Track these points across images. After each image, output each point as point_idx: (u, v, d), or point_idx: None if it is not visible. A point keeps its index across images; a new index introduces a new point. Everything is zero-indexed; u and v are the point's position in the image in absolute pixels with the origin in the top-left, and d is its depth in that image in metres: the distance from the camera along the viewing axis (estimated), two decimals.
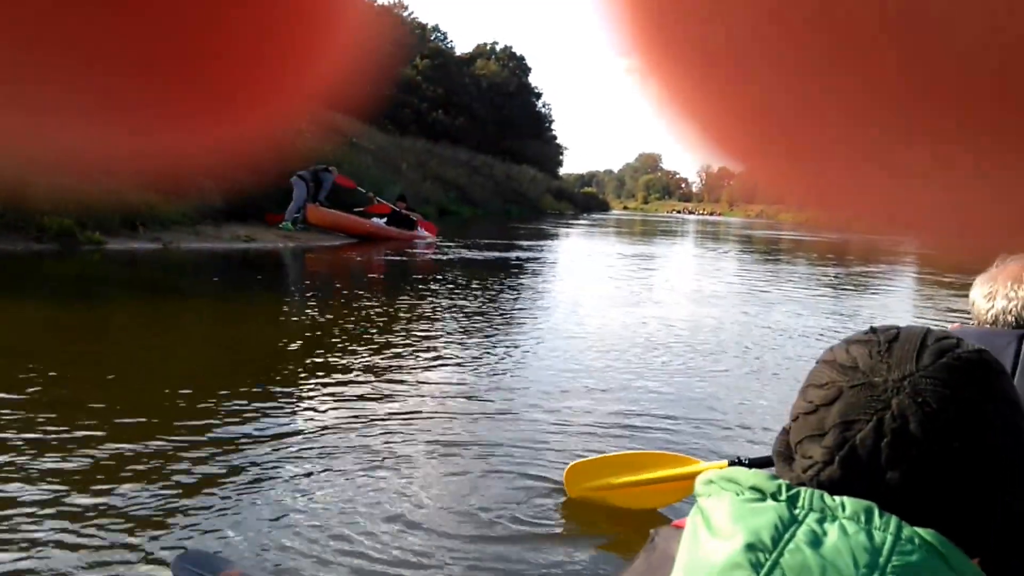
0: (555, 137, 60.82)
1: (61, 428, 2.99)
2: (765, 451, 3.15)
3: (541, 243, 16.84)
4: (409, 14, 44.42)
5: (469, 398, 3.95)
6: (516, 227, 22.19)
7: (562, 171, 71.36)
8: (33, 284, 6.87)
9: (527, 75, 52.15)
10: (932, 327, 0.68)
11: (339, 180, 14.03)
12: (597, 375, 4.59)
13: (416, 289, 7.91)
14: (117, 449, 2.81)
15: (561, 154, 64.57)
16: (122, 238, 9.40)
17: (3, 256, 7.70)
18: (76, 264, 8.13)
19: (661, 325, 6.44)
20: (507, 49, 51.44)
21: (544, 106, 56.23)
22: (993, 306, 1.36)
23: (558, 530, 2.52)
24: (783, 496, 0.59)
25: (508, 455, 3.15)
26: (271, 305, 6.60)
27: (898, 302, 9.91)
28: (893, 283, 12.22)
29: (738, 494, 0.61)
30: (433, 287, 8.07)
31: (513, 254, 12.94)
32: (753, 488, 0.61)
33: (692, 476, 2.37)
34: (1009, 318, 1.33)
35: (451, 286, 8.19)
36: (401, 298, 7.20)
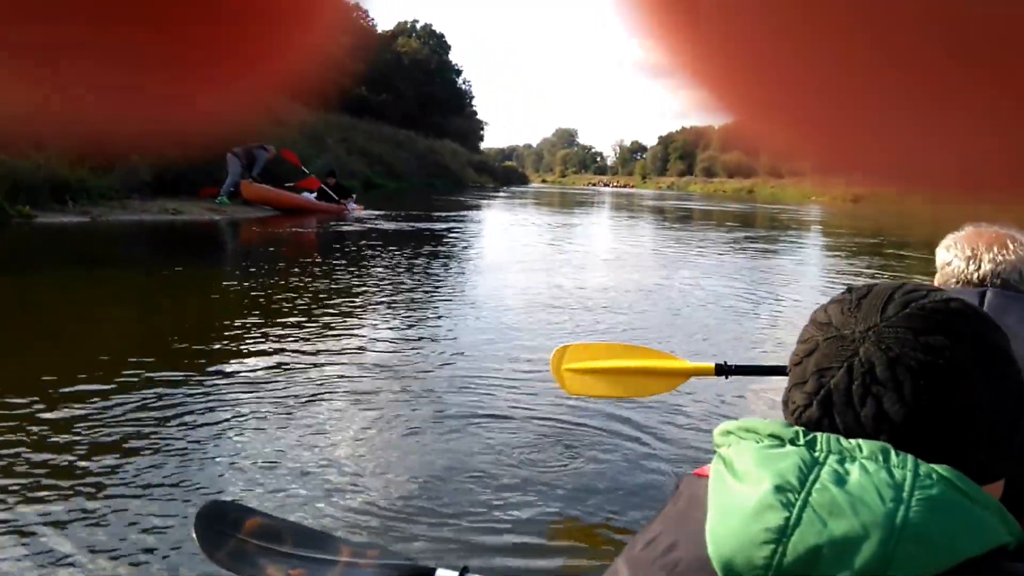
0: (476, 113, 60.87)
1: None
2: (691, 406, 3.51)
3: (465, 214, 17.24)
4: None
5: (405, 356, 4.13)
6: (440, 199, 22.45)
7: (483, 145, 71.52)
8: None
9: (447, 53, 51.99)
10: (907, 281, 0.72)
11: (284, 154, 14.63)
12: (526, 332, 4.89)
13: (346, 258, 8.15)
14: (61, 419, 2.85)
15: (482, 129, 64.69)
16: (51, 211, 9.45)
17: None
18: (6, 237, 8.19)
19: (582, 287, 6.84)
20: (427, 27, 51.14)
21: (464, 83, 56.21)
22: (980, 267, 1.43)
23: (519, 472, 2.67)
24: (801, 441, 0.63)
25: (448, 401, 3.38)
26: (200, 274, 6.76)
27: (800, 261, 10.69)
28: (794, 246, 13.12)
29: (757, 442, 0.65)
30: (363, 256, 8.31)
31: (438, 225, 13.33)
32: (771, 435, 0.65)
33: (677, 372, 2.46)
34: (996, 281, 1.42)
35: (380, 255, 8.46)
36: (332, 267, 7.42)
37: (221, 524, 1.75)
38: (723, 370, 2.30)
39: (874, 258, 10.85)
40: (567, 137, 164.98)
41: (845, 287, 0.74)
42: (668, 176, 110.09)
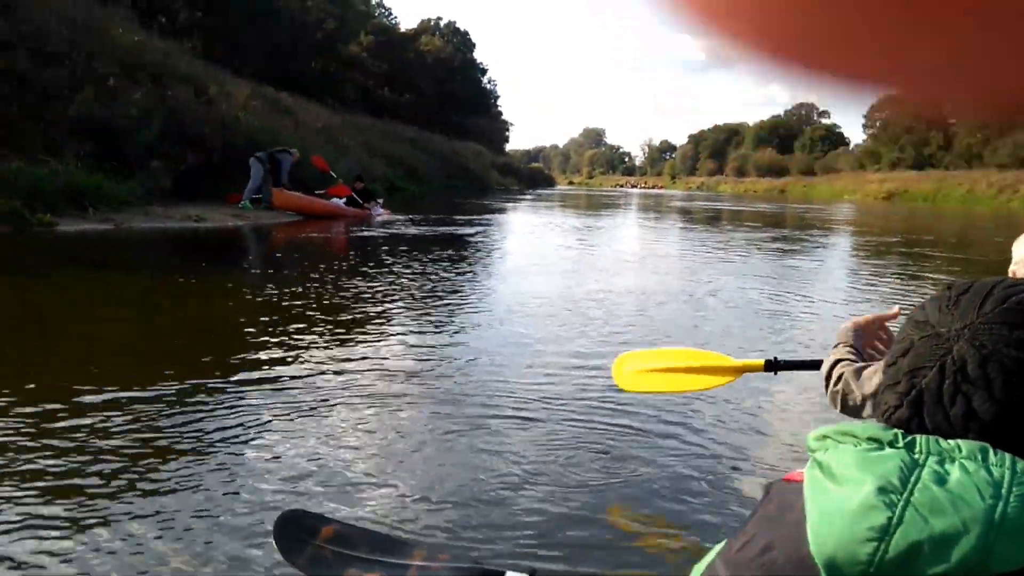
0: (501, 113, 61.01)
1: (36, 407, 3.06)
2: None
3: (488, 217, 17.17)
4: None
5: (437, 360, 4.12)
6: (463, 202, 22.43)
7: (508, 147, 71.72)
8: None
9: (471, 51, 52.08)
10: (1007, 278, 0.72)
11: (315, 161, 14.63)
12: (556, 337, 4.82)
13: (371, 263, 8.14)
14: (98, 426, 2.88)
15: (507, 130, 64.86)
16: (73, 219, 9.44)
17: None
18: (28, 245, 8.18)
19: (609, 291, 6.74)
20: (451, 25, 51.28)
21: (489, 82, 56.31)
22: None
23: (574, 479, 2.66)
24: (900, 443, 0.65)
25: (487, 405, 3.36)
26: (225, 280, 6.74)
27: (832, 261, 10.50)
28: (825, 246, 12.87)
29: (856, 445, 0.66)
30: (387, 261, 8.29)
31: (462, 229, 13.26)
32: (870, 439, 0.66)
33: (729, 370, 2.52)
34: None
35: (405, 260, 8.44)
36: (357, 272, 7.39)
37: (299, 531, 1.84)
38: (772, 366, 2.35)
39: (904, 257, 10.59)
40: (595, 137, 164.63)
41: (943, 284, 0.73)
42: (698, 176, 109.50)
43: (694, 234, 15.77)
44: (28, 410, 3.01)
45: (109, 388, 3.31)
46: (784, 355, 2.53)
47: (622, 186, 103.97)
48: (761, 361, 2.38)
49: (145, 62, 14.14)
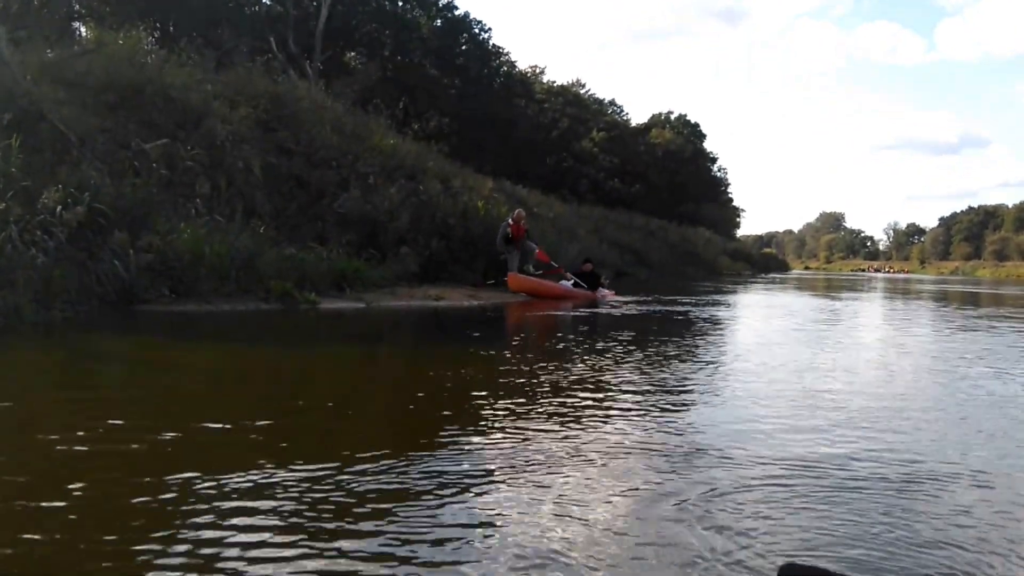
0: (731, 200, 60.16)
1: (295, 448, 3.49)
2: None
3: (717, 298, 16.79)
4: (587, 91, 46.25)
5: (671, 434, 3.91)
6: (691, 286, 22.17)
7: (740, 232, 70.18)
8: (261, 335, 7.95)
9: (702, 141, 52.26)
10: None
11: (538, 255, 15.33)
12: (792, 414, 4.52)
13: (596, 338, 8.24)
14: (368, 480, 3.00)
15: (738, 216, 63.74)
16: (332, 298, 10.57)
17: (237, 313, 8.97)
18: (295, 320, 9.24)
19: (854, 371, 6.35)
20: (682, 117, 51.95)
21: (720, 170, 55.98)
22: None
23: None
24: None
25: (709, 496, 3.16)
26: (459, 351, 7.13)
27: None
28: None
29: None
30: (612, 337, 8.34)
31: (690, 309, 13.06)
32: None
33: None
34: None
35: (629, 336, 8.47)
36: (583, 345, 7.52)
37: None
38: None
39: None
40: (833, 221, 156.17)
41: None
42: (951, 260, 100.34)
43: (960, 320, 14.30)
44: (296, 465, 3.27)
45: (344, 447, 3.44)
46: None
47: (864, 270, 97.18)
48: None
49: (401, 162, 15.77)
